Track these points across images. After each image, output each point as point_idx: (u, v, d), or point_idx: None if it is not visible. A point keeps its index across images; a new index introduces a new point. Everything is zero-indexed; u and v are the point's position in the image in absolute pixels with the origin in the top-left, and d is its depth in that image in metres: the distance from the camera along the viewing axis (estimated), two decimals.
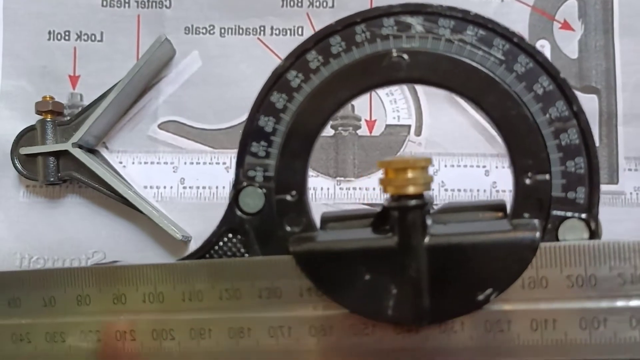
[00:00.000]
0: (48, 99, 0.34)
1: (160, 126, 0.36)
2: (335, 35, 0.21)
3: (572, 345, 0.19)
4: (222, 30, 0.36)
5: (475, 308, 0.19)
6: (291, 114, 0.21)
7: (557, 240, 0.20)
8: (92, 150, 0.34)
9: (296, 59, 0.21)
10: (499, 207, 0.21)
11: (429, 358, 0.20)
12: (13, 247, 0.35)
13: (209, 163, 0.35)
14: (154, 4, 0.35)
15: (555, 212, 0.19)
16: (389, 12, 0.21)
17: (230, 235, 0.21)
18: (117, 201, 0.34)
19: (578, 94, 0.34)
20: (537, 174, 0.20)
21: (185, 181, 0.35)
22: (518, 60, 0.20)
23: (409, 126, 0.35)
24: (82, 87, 0.36)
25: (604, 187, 0.34)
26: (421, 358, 0.20)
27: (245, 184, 0.21)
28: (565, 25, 0.35)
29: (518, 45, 0.20)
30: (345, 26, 0.21)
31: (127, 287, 0.22)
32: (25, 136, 0.34)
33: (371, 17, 0.21)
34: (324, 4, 0.35)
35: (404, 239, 0.19)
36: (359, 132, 0.35)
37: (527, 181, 0.20)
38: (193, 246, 0.34)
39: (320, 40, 0.21)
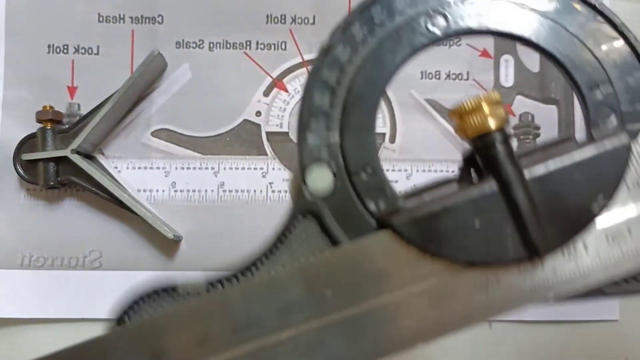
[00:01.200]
0: (48, 108, 0.36)
1: (153, 134, 0.38)
2: (376, 5, 0.20)
3: None
4: (211, 45, 0.38)
5: (591, 219, 0.18)
6: (345, 87, 0.20)
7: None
8: (89, 156, 0.36)
9: (343, 32, 0.20)
10: (569, 137, 0.20)
11: (562, 290, 0.19)
12: (15, 247, 0.36)
13: (199, 168, 0.37)
14: (147, 19, 0.38)
15: (629, 126, 0.19)
16: None
17: (305, 221, 0.20)
18: (113, 203, 0.36)
19: (539, 104, 0.38)
20: (603, 88, 0.19)
21: (176, 185, 0.37)
22: None
23: (384, 134, 0.38)
24: (79, 97, 0.37)
25: None
26: (554, 293, 0.19)
27: (311, 165, 0.20)
28: None
29: None
30: None
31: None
32: (27, 143, 0.36)
33: None
34: (306, 20, 0.38)
35: (502, 176, 0.18)
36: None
37: (598, 95, 0.19)
38: (184, 245, 0.36)
39: (363, 11, 0.20)
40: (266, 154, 0.37)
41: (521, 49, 0.38)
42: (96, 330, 0.35)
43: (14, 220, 0.37)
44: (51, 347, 0.35)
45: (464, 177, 0.20)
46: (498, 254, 0.18)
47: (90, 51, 0.38)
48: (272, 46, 0.38)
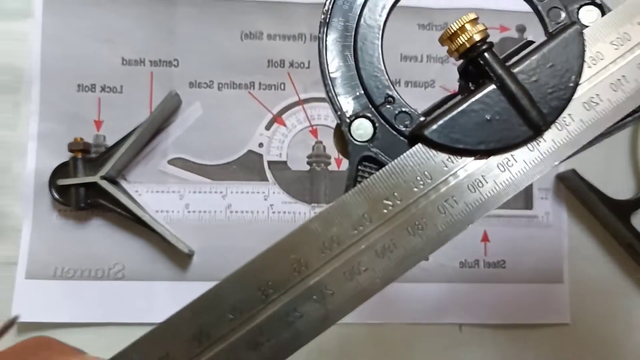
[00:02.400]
0: (79, 140, 0.40)
1: (169, 162, 0.42)
2: None
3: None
4: (220, 85, 0.42)
5: (570, 95, 0.21)
6: (352, 33, 0.22)
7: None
8: (114, 181, 0.40)
9: None
10: (528, 40, 0.23)
11: (562, 155, 0.21)
12: (48, 260, 0.40)
13: (209, 192, 0.41)
14: (164, 63, 0.42)
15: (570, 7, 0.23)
16: None
17: (364, 166, 0.22)
18: (134, 222, 0.40)
19: None
20: None
21: (189, 206, 0.41)
22: None
23: None
24: (105, 129, 0.41)
25: (520, 212, 0.43)
26: (555, 160, 0.21)
27: (352, 122, 0.22)
28: None
29: None
30: None
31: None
32: (60, 170, 0.40)
33: None
34: (301, 65, 0.43)
35: (497, 76, 0.21)
36: (329, 167, 0.42)
37: (541, 1, 0.23)
38: (196, 259, 0.41)
39: None
40: (267, 180, 0.42)
41: None
42: (119, 333, 0.39)
43: (48, 237, 0.40)
44: (79, 346, 0.39)
45: (464, 89, 0.22)
46: (510, 138, 0.21)
47: (114, 90, 0.42)
48: (273, 87, 0.43)
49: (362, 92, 0.22)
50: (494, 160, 0.21)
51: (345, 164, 0.42)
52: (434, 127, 0.21)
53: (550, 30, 0.22)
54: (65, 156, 0.41)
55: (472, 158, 0.21)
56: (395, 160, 0.21)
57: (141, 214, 0.39)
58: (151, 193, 0.41)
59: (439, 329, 0.41)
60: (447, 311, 0.41)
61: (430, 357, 0.42)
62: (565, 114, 0.21)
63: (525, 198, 0.42)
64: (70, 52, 0.42)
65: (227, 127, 0.42)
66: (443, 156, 0.21)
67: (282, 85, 0.43)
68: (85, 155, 0.40)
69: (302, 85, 0.43)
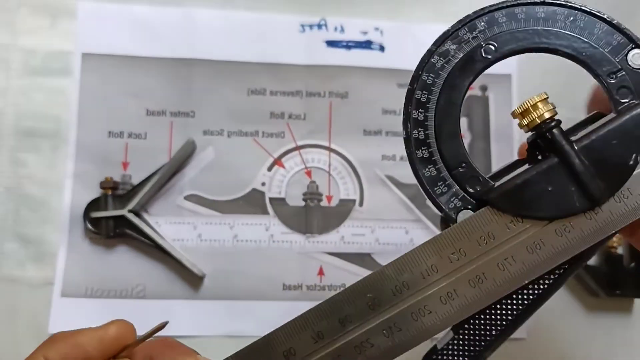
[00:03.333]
0: (109, 179, 0.46)
1: (185, 198, 0.47)
2: (447, 40, 0.24)
3: None
4: (229, 133, 0.48)
5: (630, 171, 0.22)
6: (433, 109, 0.23)
7: None
8: (138, 214, 0.46)
9: (437, 45, 0.24)
10: (598, 112, 0.24)
11: (618, 225, 0.22)
12: (80, 281, 0.45)
13: (218, 224, 0.47)
14: (182, 114, 0.48)
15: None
16: (482, 13, 0.24)
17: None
18: (155, 249, 0.45)
19: None
20: (615, 73, 0.23)
21: (202, 236, 0.47)
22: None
23: (355, 200, 0.48)
24: (131, 170, 0.47)
25: None
26: (612, 229, 0.22)
27: (458, 215, 0.23)
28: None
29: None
30: (454, 30, 0.24)
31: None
32: (92, 204, 0.46)
33: (469, 20, 0.24)
34: (298, 116, 0.49)
35: (561, 151, 0.22)
36: (321, 203, 0.48)
37: (612, 80, 0.23)
38: (207, 281, 0.46)
39: (439, 44, 0.24)
40: (269, 214, 0.48)
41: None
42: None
43: (81, 261, 0.46)
44: None
45: (531, 157, 0.24)
46: (569, 208, 0.22)
47: (139, 136, 0.48)
48: (274, 135, 0.49)
49: (439, 157, 0.23)
50: (553, 226, 0.22)
51: (333, 201, 0.49)
52: (501, 193, 0.23)
53: (619, 108, 0.23)
54: (96, 192, 0.47)
55: (533, 223, 0.22)
56: (465, 220, 0.23)
57: (161, 242, 0.46)
58: (169, 224, 0.47)
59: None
60: None
61: None
62: (624, 187, 0.22)
63: None
64: (102, 104, 0.48)
65: (235, 168, 0.48)
66: (507, 219, 0.22)
67: (282, 134, 0.49)
68: (114, 191, 0.46)
69: (299, 134, 0.49)
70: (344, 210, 0.49)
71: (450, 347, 0.23)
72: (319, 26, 0.51)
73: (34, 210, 0.47)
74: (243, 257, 0.47)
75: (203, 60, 0.49)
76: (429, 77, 0.24)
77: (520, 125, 0.23)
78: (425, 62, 0.24)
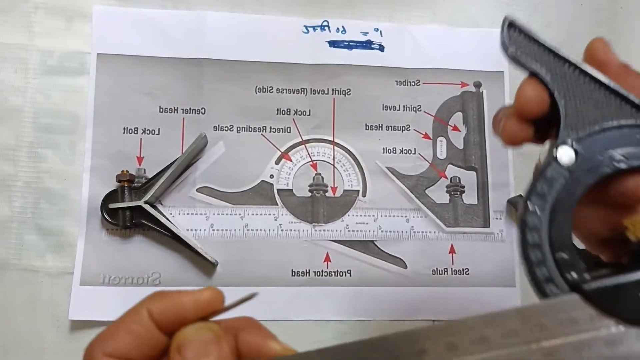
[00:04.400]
0: (125, 172, 0.48)
1: (197, 190, 0.49)
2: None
3: None
4: (239, 128, 0.51)
5: None
6: (555, 192, 0.25)
7: None
8: (153, 206, 0.48)
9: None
10: None
11: None
12: (98, 270, 0.48)
13: (230, 214, 0.49)
14: (194, 110, 0.51)
15: None
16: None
17: None
18: (170, 238, 0.48)
19: (463, 171, 0.53)
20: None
21: (214, 226, 0.49)
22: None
23: (358, 190, 0.51)
24: (145, 164, 0.49)
25: (480, 230, 0.52)
26: None
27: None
28: (455, 128, 0.53)
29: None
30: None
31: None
32: (109, 197, 0.48)
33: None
34: (304, 112, 0.52)
35: None
36: (327, 194, 0.51)
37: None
38: (219, 268, 0.49)
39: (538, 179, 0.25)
40: (277, 204, 0.50)
41: (451, 133, 0.53)
42: None
43: (98, 251, 0.48)
44: None
45: (633, 261, 0.24)
46: None
47: (153, 132, 0.50)
48: (281, 130, 0.51)
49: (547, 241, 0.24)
50: (635, 331, 0.23)
51: (338, 191, 0.51)
52: (594, 287, 0.23)
53: None
54: (113, 185, 0.49)
55: (617, 321, 0.23)
56: (555, 299, 0.23)
57: (175, 231, 0.48)
58: (183, 215, 0.50)
59: (415, 324, 0.49)
60: (423, 309, 0.50)
61: None
62: None
63: (483, 218, 0.52)
64: (117, 102, 0.50)
65: (244, 162, 0.51)
66: (592, 311, 0.23)
67: (289, 129, 0.52)
68: (130, 184, 0.49)
69: (304, 128, 0.52)
70: (348, 200, 0.51)
71: None
72: (322, 28, 0.53)
73: (53, 203, 0.49)
74: (253, 245, 0.50)
75: (213, 60, 0.52)
76: (546, 184, 0.25)
77: (629, 233, 0.24)
78: (545, 171, 0.25)
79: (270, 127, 0.52)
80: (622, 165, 0.24)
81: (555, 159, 0.25)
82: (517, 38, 0.26)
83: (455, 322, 0.24)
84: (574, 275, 0.24)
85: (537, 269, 0.24)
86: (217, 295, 0.27)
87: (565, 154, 0.25)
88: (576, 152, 0.25)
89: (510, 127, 0.27)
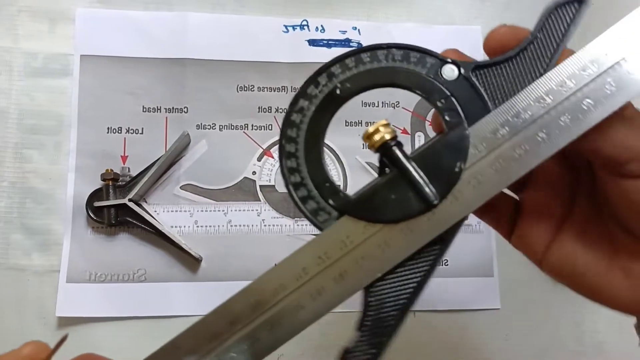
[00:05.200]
0: (109, 171, 0.49)
1: (181, 187, 0.50)
2: (311, 85, 0.27)
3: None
4: (221, 127, 0.52)
5: (458, 177, 0.25)
6: (302, 142, 0.27)
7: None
8: (137, 204, 0.49)
9: (292, 106, 0.27)
10: (441, 133, 0.26)
11: (452, 220, 0.25)
12: (84, 267, 0.48)
13: (213, 211, 0.50)
14: (176, 110, 0.52)
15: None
16: (335, 62, 0.27)
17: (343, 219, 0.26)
18: (154, 235, 0.48)
19: None
20: (444, 98, 0.26)
21: (198, 222, 0.50)
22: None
23: (339, 185, 0.52)
24: (129, 162, 0.50)
25: None
26: (448, 225, 0.25)
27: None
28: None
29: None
30: (317, 74, 0.27)
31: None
32: (94, 195, 0.49)
33: (324, 68, 0.27)
34: (285, 110, 0.53)
35: (399, 165, 0.25)
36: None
37: (440, 104, 0.26)
38: (204, 264, 0.50)
39: (304, 89, 0.27)
40: (260, 200, 0.51)
41: (429, 128, 0.54)
42: (142, 324, 0.48)
43: (84, 249, 0.49)
44: (110, 337, 0.46)
45: (380, 172, 0.27)
46: (410, 211, 0.25)
47: (137, 131, 0.51)
48: (262, 127, 0.52)
49: (309, 179, 0.26)
50: (399, 226, 0.25)
51: None
52: (355, 203, 0.26)
53: (446, 126, 0.26)
54: (98, 184, 0.50)
55: (383, 226, 0.25)
56: (327, 229, 0.26)
57: (160, 228, 0.49)
58: (167, 212, 0.50)
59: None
60: None
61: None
62: (455, 190, 0.25)
63: None
64: (101, 102, 0.51)
65: (227, 159, 0.51)
66: (361, 224, 0.26)
67: (270, 126, 0.53)
68: (115, 182, 0.49)
69: None
70: None
71: (358, 344, 0.26)
72: (301, 27, 0.54)
73: (38, 202, 0.50)
74: (237, 240, 0.50)
75: (195, 59, 0.53)
76: (293, 130, 0.27)
77: (369, 147, 0.27)
78: (287, 120, 0.27)
79: (252, 125, 0.53)
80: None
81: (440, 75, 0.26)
82: None
83: (253, 284, 0.26)
84: (338, 200, 0.26)
85: (306, 204, 0.26)
86: (38, 347, 0.27)
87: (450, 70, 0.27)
88: None
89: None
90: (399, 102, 0.54)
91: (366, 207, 0.26)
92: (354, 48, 0.28)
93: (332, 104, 0.27)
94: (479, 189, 0.25)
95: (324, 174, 0.27)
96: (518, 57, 0.27)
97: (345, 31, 0.55)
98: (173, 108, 0.52)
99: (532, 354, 0.52)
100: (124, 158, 0.51)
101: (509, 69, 0.27)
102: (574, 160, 0.30)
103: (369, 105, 0.54)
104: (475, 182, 0.25)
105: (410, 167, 0.25)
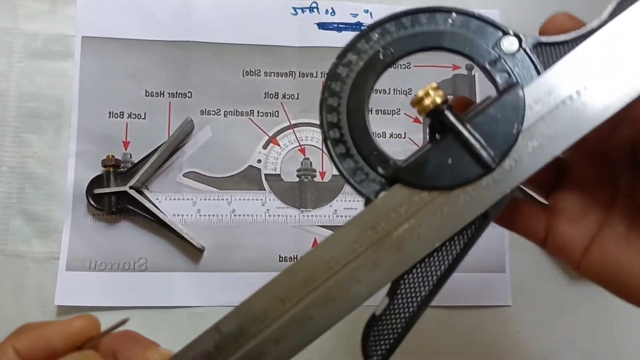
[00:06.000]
0: (110, 157, 0.47)
1: (184, 175, 0.49)
2: (362, 40, 0.26)
3: None
4: (226, 113, 0.50)
5: (515, 139, 0.24)
6: (344, 111, 0.26)
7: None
8: (139, 191, 0.48)
9: (340, 58, 0.26)
10: (489, 97, 0.25)
11: (511, 183, 0.24)
12: (84, 255, 0.47)
13: (217, 199, 0.49)
14: (180, 94, 0.50)
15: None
16: (390, 19, 0.26)
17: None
18: (156, 224, 0.47)
19: None
20: (495, 62, 0.26)
21: (200, 211, 0.49)
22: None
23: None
24: (131, 148, 0.49)
25: None
26: (506, 190, 0.24)
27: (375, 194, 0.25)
28: None
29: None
30: (352, 43, 0.26)
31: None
32: (95, 182, 0.48)
33: (365, 33, 0.27)
34: (292, 96, 0.51)
35: (453, 129, 0.24)
36: (315, 179, 0.50)
37: (492, 67, 0.26)
38: (206, 254, 0.48)
39: (340, 58, 0.26)
40: (264, 189, 0.50)
41: None
42: (143, 314, 0.47)
43: (84, 237, 0.48)
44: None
45: (432, 139, 0.26)
46: (466, 176, 0.24)
47: (139, 116, 0.49)
48: (268, 114, 0.51)
49: (355, 150, 0.26)
50: (455, 192, 0.25)
51: (326, 177, 0.51)
52: (407, 170, 0.25)
53: (500, 89, 0.26)
54: (98, 170, 0.48)
55: (439, 193, 0.25)
56: (380, 198, 0.25)
57: (162, 217, 0.47)
58: (169, 200, 0.49)
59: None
60: None
61: None
62: (512, 152, 0.25)
63: None
64: (102, 86, 0.50)
65: (231, 146, 0.50)
66: (415, 192, 0.25)
67: (276, 113, 0.51)
68: (116, 169, 0.48)
69: (292, 113, 0.51)
70: (336, 185, 0.51)
71: (388, 311, 0.25)
72: (311, 9, 0.52)
73: (38, 188, 0.49)
74: (241, 230, 0.49)
75: (199, 43, 0.51)
76: (337, 84, 0.26)
77: (419, 112, 0.26)
78: (332, 73, 0.26)
79: (258, 111, 0.51)
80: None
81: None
82: None
83: (303, 259, 0.25)
84: (388, 169, 0.25)
85: (344, 162, 0.26)
86: (89, 323, 0.27)
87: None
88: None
89: None
90: (411, 89, 0.52)
91: (420, 173, 0.25)
92: (410, 8, 0.27)
93: (374, 69, 0.26)
94: (538, 152, 0.24)
95: (371, 142, 0.26)
96: (581, 40, 0.25)
97: (357, 14, 0.53)
98: (176, 93, 0.51)
99: (543, 352, 0.51)
100: (126, 144, 0.50)
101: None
102: (613, 157, 0.28)
103: (380, 92, 0.52)
104: (534, 144, 0.24)
105: (465, 130, 0.24)
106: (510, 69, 0.26)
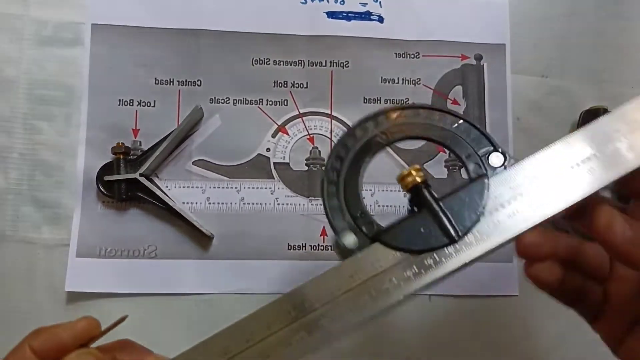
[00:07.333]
0: (120, 144, 0.48)
1: (194, 163, 0.49)
2: (349, 135, 0.31)
3: None
4: (235, 101, 0.50)
5: (478, 218, 0.28)
6: (343, 175, 0.31)
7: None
8: (149, 178, 0.48)
9: (338, 148, 0.31)
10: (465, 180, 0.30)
11: (472, 255, 0.28)
12: (94, 242, 0.48)
13: (226, 187, 0.49)
14: (189, 82, 0.50)
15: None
16: (371, 116, 0.32)
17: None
18: (165, 211, 0.47)
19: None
20: (470, 155, 0.30)
21: (210, 199, 0.49)
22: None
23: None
24: (141, 136, 0.49)
25: None
26: (468, 259, 0.28)
27: (341, 233, 0.30)
28: (455, 102, 0.52)
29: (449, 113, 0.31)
30: (355, 127, 0.32)
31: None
32: (105, 169, 0.48)
33: (362, 121, 0.32)
34: (301, 85, 0.51)
35: (428, 205, 0.29)
36: (323, 168, 0.51)
37: (467, 159, 0.30)
38: (215, 241, 0.49)
39: (346, 136, 0.31)
40: (273, 178, 0.50)
41: (450, 107, 0.52)
42: (152, 301, 0.47)
43: (94, 224, 0.48)
44: (119, 313, 0.46)
45: (410, 210, 0.30)
46: (435, 243, 0.28)
47: (149, 104, 0.50)
48: (278, 103, 0.51)
49: (347, 208, 0.30)
50: (424, 256, 0.29)
51: None
52: (387, 233, 0.29)
53: (471, 177, 0.30)
54: (108, 157, 0.49)
55: (410, 254, 0.29)
56: (360, 253, 0.29)
57: (171, 204, 0.48)
58: (179, 188, 0.49)
59: (412, 298, 0.50)
60: None
61: (405, 321, 0.50)
62: (475, 229, 0.28)
63: None
64: (112, 73, 0.50)
65: (240, 135, 0.50)
66: (391, 251, 0.29)
67: (285, 102, 0.51)
68: (126, 156, 0.48)
69: (301, 102, 0.51)
70: None
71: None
72: None
73: (48, 175, 0.49)
74: (249, 219, 0.49)
75: (209, 31, 0.51)
76: (337, 162, 0.31)
77: (402, 187, 0.30)
78: (335, 150, 0.31)
79: (267, 100, 0.51)
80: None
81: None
82: None
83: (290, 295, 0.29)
84: (370, 229, 0.29)
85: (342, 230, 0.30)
86: (92, 323, 0.31)
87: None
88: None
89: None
90: (419, 79, 0.52)
91: (396, 237, 0.29)
92: (411, 103, 0.31)
93: (369, 150, 0.31)
94: (495, 232, 0.28)
95: (360, 205, 0.30)
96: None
97: (366, 3, 0.53)
98: (186, 81, 0.51)
99: (550, 341, 0.51)
100: (135, 131, 0.50)
101: None
102: None
103: (389, 82, 0.52)
104: (493, 225, 0.28)
105: (438, 207, 0.29)
106: (483, 164, 0.30)
